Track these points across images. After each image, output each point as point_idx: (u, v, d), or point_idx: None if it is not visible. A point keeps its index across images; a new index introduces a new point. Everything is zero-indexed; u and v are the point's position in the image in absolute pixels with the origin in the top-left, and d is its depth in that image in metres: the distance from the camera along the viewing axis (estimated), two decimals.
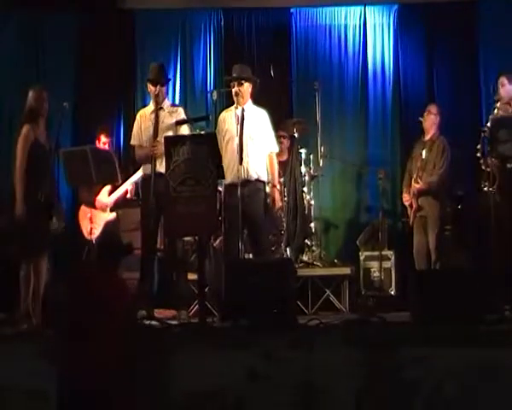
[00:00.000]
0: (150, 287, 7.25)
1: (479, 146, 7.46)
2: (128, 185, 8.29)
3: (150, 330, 5.91)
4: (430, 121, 8.48)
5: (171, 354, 4.51)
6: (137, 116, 7.66)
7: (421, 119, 8.51)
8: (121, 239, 5.30)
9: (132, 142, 7.61)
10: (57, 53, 9.92)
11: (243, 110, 7.29)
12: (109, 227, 8.31)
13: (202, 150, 6.40)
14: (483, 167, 7.54)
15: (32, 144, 6.89)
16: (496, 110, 7.75)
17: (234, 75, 7.43)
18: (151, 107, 7.51)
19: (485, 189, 7.40)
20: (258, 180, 7.25)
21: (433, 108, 8.55)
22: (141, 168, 7.70)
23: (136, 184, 8.37)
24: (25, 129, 6.90)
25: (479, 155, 7.50)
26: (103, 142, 8.59)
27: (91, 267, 5.12)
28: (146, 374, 4.34)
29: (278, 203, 7.62)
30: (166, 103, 7.56)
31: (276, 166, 7.56)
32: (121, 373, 4.24)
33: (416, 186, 8.33)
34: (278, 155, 7.85)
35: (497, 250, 7.03)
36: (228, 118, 7.40)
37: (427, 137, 8.48)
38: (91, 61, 9.84)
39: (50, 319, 5.93)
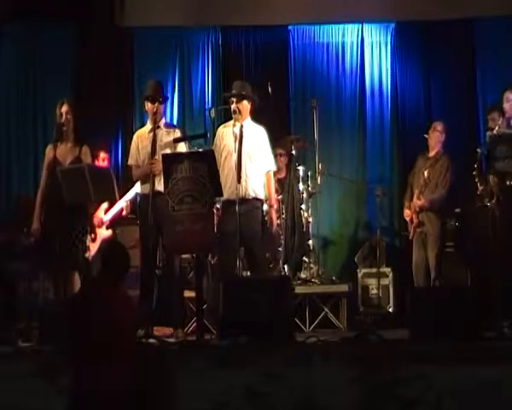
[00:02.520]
0: (149, 305, 7.24)
1: (476, 164, 7.49)
2: (123, 203, 8.31)
3: (150, 348, 5.91)
4: (435, 139, 8.46)
5: (170, 373, 4.50)
6: (134, 136, 7.62)
7: (426, 136, 8.51)
8: (127, 252, 5.27)
9: (129, 162, 7.58)
10: (55, 70, 9.94)
11: (242, 127, 7.29)
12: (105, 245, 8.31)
13: (200, 168, 6.41)
14: (478, 185, 7.58)
15: (50, 163, 7.01)
16: (489, 122, 7.82)
17: (233, 92, 7.44)
18: (148, 126, 7.49)
19: (481, 205, 7.43)
20: (255, 198, 7.25)
21: (438, 126, 8.53)
22: (135, 186, 7.71)
23: (131, 201, 8.38)
24: (46, 149, 7.21)
25: (474, 173, 7.53)
26: (102, 158, 8.57)
27: (97, 283, 5.08)
28: (146, 393, 4.33)
29: (275, 224, 7.62)
30: (163, 123, 7.54)
31: (273, 186, 7.57)
32: (132, 390, 4.23)
33: (417, 203, 8.33)
34: (276, 172, 7.86)
35: (496, 267, 7.03)
36: (226, 134, 7.39)
37: (432, 154, 8.47)
38: (89, 79, 9.85)
39: (49, 336, 5.92)
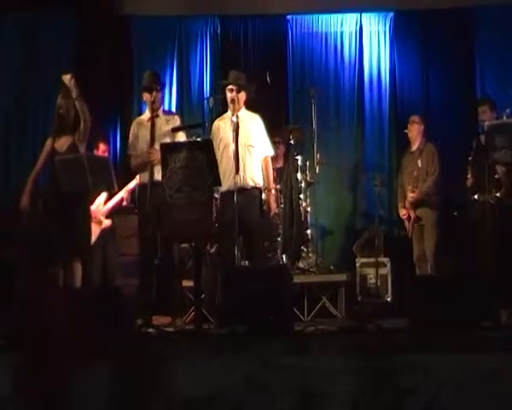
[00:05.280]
0: (148, 294, 7.25)
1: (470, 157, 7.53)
2: (123, 193, 8.33)
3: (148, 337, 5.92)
4: (415, 131, 8.54)
5: (168, 361, 4.51)
6: (133, 124, 7.61)
7: (405, 131, 8.56)
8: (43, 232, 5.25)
9: (128, 151, 7.58)
10: (54, 59, 9.88)
11: (237, 117, 7.29)
12: (105, 234, 8.33)
13: (199, 157, 6.39)
14: (468, 176, 7.62)
15: (48, 153, 7.01)
16: (480, 115, 7.86)
17: (231, 80, 7.42)
18: (147, 114, 7.48)
19: (477, 197, 7.44)
20: (254, 188, 7.26)
21: (415, 118, 8.64)
22: (136, 176, 7.71)
23: (131, 191, 8.38)
24: (47, 142, 7.13)
25: (468, 166, 7.57)
26: (102, 149, 8.56)
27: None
28: (144, 381, 4.34)
29: (273, 208, 7.64)
30: (161, 111, 7.52)
31: (271, 171, 7.57)
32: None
33: (412, 196, 8.34)
34: (274, 161, 7.87)
35: (497, 256, 7.04)
36: (222, 126, 7.39)
37: (415, 148, 8.54)
38: (88, 68, 9.81)
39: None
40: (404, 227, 8.65)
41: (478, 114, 8.11)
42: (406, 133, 8.58)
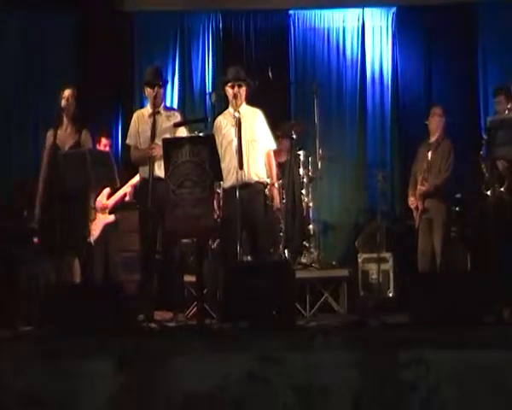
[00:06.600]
0: (150, 289, 7.25)
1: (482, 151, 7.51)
2: (127, 188, 8.32)
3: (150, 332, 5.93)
4: (435, 123, 8.42)
5: (171, 356, 4.52)
6: (134, 116, 7.56)
7: (426, 122, 8.48)
8: None
9: (128, 141, 7.51)
10: (55, 55, 9.91)
11: (239, 113, 7.27)
12: (107, 229, 8.34)
13: (201, 152, 6.38)
14: (484, 170, 7.58)
15: (50, 148, 7.02)
16: (496, 105, 7.84)
17: (232, 77, 7.40)
18: (148, 109, 7.44)
19: (489, 192, 7.41)
20: (258, 182, 7.25)
21: (438, 110, 8.49)
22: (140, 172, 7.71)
23: (135, 186, 8.37)
24: (47, 134, 7.20)
25: (480, 159, 7.54)
26: (104, 144, 8.55)
27: None
28: (145, 375, 4.35)
29: (277, 203, 7.63)
30: (163, 107, 7.50)
31: (274, 164, 7.55)
32: None
33: (421, 188, 8.30)
34: (277, 155, 7.84)
35: (500, 252, 7.03)
36: (224, 123, 7.35)
37: (433, 139, 8.43)
38: (89, 64, 9.83)
39: (50, 320, 5.94)
40: (412, 217, 8.60)
41: (494, 105, 8.08)
42: (427, 124, 8.50)
